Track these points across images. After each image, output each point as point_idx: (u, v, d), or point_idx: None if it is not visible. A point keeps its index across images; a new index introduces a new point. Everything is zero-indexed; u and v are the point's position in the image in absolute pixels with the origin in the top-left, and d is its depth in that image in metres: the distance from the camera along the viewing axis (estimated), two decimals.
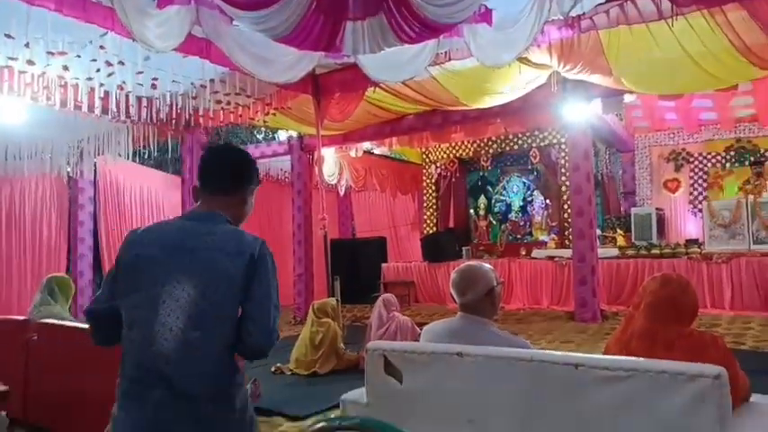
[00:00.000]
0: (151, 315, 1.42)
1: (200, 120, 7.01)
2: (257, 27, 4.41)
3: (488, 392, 1.72)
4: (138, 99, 6.36)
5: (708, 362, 1.86)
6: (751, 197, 8.12)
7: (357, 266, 11.01)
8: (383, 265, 11.09)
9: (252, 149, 11.05)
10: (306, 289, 9.65)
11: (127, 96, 5.76)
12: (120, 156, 8.08)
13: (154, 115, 6.53)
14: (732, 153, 10.95)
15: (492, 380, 1.71)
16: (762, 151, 10.57)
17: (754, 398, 2.00)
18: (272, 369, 5.38)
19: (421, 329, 5.45)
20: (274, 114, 7.34)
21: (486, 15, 5.20)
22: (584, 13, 5.41)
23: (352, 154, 10.62)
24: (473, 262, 2.20)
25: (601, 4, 5.34)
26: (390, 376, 1.91)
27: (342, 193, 12.22)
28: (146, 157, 8.61)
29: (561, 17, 5.65)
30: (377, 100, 7.69)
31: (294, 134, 10.03)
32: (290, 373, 5.28)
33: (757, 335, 6.10)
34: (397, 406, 1.88)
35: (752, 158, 10.07)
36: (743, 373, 1.94)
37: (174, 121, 6.84)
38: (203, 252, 1.47)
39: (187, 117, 6.75)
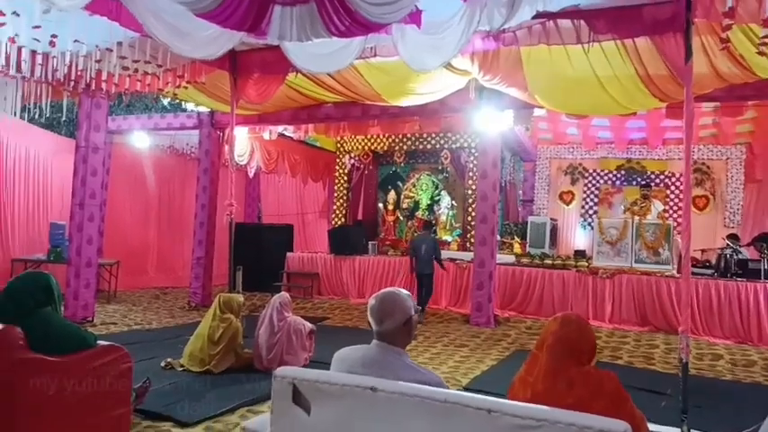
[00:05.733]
0: (418, 254, 8.32)
1: (103, 84, 6.40)
2: None
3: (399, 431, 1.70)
4: (33, 54, 5.70)
5: (605, 395, 2.00)
6: (637, 218, 8.83)
7: (260, 253, 10.69)
8: (288, 254, 10.85)
9: (157, 119, 10.33)
10: (204, 274, 9.21)
11: (19, 50, 5.12)
12: (4, 111, 7.20)
13: (49, 73, 5.88)
14: (623, 172, 11.88)
15: (404, 419, 1.69)
16: (648, 173, 11.57)
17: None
18: (163, 364, 5.03)
19: (316, 325, 5.43)
20: (186, 88, 6.89)
21: (415, 17, 5.15)
22: (508, 27, 5.55)
23: (266, 136, 10.26)
24: (392, 288, 2.15)
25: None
26: (298, 406, 1.83)
27: (251, 174, 11.78)
28: (36, 115, 7.75)
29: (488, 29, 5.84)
30: (296, 85, 7.47)
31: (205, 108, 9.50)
32: (181, 369, 4.95)
33: (632, 350, 6.65)
34: None
35: (640, 181, 10.96)
36: (638, 411, 2.07)
37: (72, 83, 6.19)
38: (427, 241, 8.38)
39: (88, 80, 6.12)
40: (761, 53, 4.83)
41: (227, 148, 8.81)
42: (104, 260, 9.23)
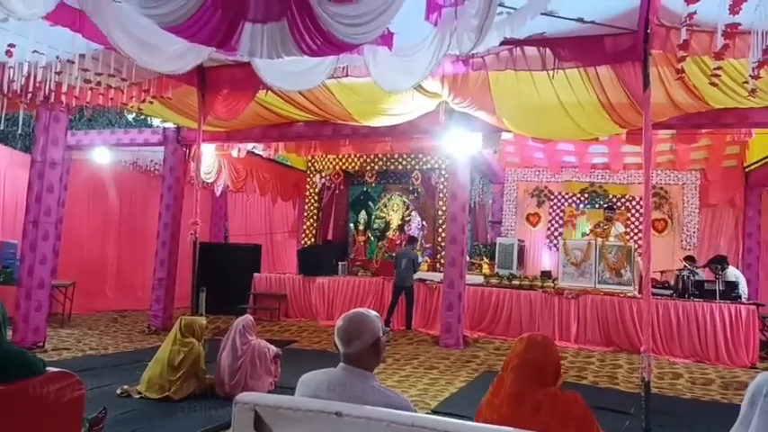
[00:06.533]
0: (398, 267, 9.08)
1: (63, 97, 6.21)
2: (145, 11, 3.97)
3: None
4: None
5: (572, 419, 1.99)
6: (600, 240, 8.99)
7: (226, 274, 10.40)
8: (255, 275, 10.61)
9: (120, 135, 10.09)
10: (166, 295, 8.88)
11: None
12: None
13: (5, 85, 5.68)
14: (586, 195, 12.16)
15: None
16: (611, 197, 11.88)
17: None
18: (119, 391, 4.77)
19: (282, 348, 5.30)
20: (151, 103, 6.75)
21: (387, 39, 5.19)
22: (477, 53, 5.65)
23: (234, 153, 10.11)
24: (360, 309, 2.10)
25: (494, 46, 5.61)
26: None
27: (218, 192, 11.57)
28: None
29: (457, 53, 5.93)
30: (267, 102, 7.42)
31: (171, 123, 9.32)
32: (138, 396, 4.69)
33: (597, 370, 6.70)
34: None
35: (603, 204, 11.23)
36: None
37: (29, 95, 5.99)
38: (408, 255, 9.19)
39: (47, 92, 5.92)
40: (712, 84, 5.08)
41: (193, 165, 8.64)
42: (59, 281, 8.83)
